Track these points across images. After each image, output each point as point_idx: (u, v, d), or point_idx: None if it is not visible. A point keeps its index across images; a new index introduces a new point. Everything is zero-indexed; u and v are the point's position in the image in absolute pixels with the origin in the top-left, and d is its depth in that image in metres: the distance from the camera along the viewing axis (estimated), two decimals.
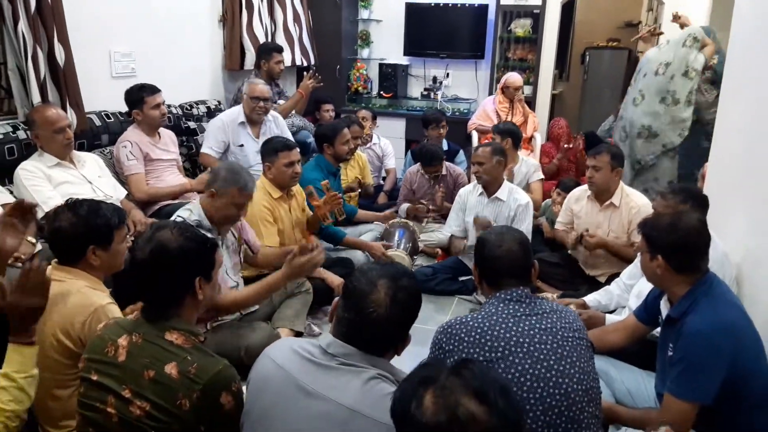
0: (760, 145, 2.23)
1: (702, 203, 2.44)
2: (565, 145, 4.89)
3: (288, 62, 5.12)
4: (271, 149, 2.98)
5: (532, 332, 1.60)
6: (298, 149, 3.05)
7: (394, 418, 0.92)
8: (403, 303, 1.29)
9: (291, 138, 3.82)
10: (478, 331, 1.60)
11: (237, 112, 3.80)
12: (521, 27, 5.62)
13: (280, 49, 4.60)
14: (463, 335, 1.57)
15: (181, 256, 1.44)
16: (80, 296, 1.76)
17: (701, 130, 4.08)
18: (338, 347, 1.28)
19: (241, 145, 3.75)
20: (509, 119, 4.86)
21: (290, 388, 1.26)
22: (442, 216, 4.02)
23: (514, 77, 4.99)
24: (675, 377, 1.74)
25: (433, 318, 3.13)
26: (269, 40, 5.03)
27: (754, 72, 2.36)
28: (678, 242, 1.79)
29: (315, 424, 1.21)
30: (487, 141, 4.77)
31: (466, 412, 0.84)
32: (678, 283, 1.83)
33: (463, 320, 1.66)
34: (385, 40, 6.06)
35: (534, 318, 1.63)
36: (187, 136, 4.08)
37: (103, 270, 1.91)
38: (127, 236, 1.97)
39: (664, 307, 1.94)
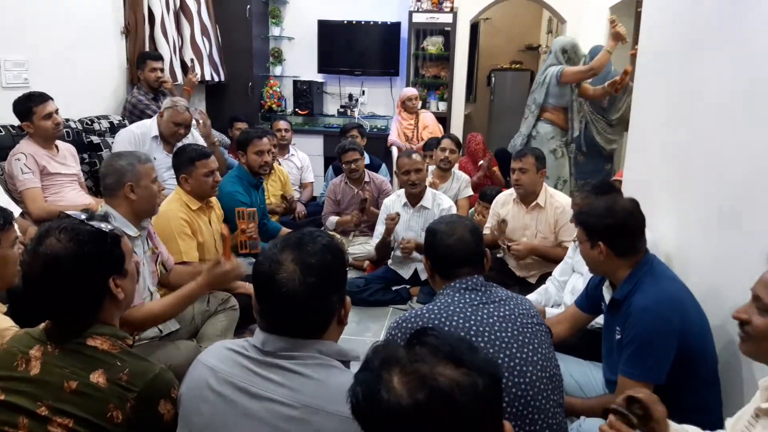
0: (676, 140, 2.33)
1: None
2: (481, 162, 4.96)
3: (198, 77, 4.90)
4: (187, 159, 2.75)
5: (491, 320, 1.53)
6: (214, 156, 2.86)
7: (360, 415, 0.76)
8: (319, 267, 1.12)
9: None
10: (435, 323, 1.51)
11: (150, 125, 3.54)
12: (433, 44, 5.73)
13: (155, 57, 4.26)
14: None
15: (81, 264, 1.20)
16: None
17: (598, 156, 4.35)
18: (273, 342, 1.12)
19: (153, 159, 3.48)
20: (414, 137, 5.06)
21: (232, 392, 1.10)
22: (369, 228, 3.93)
23: (406, 90, 5.16)
24: (627, 358, 1.72)
25: (369, 329, 3.01)
26: (175, 54, 4.79)
27: (665, 72, 2.48)
28: (616, 225, 1.81)
29: (265, 428, 1.06)
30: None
31: (446, 381, 0.72)
32: (620, 266, 1.84)
33: (418, 313, 1.56)
34: (298, 57, 5.98)
35: (492, 306, 1.57)
36: (90, 151, 3.73)
37: None
38: (17, 240, 1.72)
39: (607, 293, 1.95)
